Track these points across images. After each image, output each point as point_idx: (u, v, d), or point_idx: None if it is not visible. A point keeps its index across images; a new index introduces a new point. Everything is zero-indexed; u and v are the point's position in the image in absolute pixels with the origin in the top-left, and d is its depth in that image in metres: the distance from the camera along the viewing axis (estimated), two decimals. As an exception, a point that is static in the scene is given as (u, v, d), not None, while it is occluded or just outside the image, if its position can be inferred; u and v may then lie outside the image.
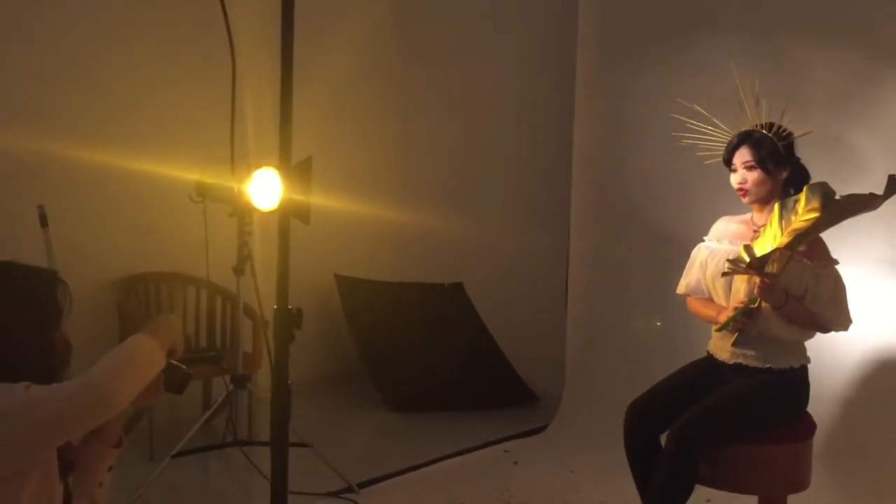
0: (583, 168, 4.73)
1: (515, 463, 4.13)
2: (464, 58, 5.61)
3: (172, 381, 1.83)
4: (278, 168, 3.53)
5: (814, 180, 2.71)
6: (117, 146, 4.14)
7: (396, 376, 5.03)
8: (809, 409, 2.85)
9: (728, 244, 2.84)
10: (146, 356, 1.72)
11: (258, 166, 3.57)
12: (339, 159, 5.25)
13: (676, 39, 4.14)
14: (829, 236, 2.74)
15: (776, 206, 2.67)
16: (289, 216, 1.88)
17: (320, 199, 4.27)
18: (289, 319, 1.87)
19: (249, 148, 4.44)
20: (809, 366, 2.82)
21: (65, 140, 3.97)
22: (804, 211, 2.57)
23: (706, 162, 2.89)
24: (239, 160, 3.95)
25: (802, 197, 2.60)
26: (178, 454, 3.61)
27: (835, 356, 3.56)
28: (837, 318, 2.72)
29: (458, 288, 5.20)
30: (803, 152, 2.85)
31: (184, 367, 1.85)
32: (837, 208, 2.56)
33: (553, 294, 4.97)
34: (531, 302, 5.30)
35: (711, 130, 2.87)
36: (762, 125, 2.80)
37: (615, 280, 4.54)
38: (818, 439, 2.89)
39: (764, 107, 2.82)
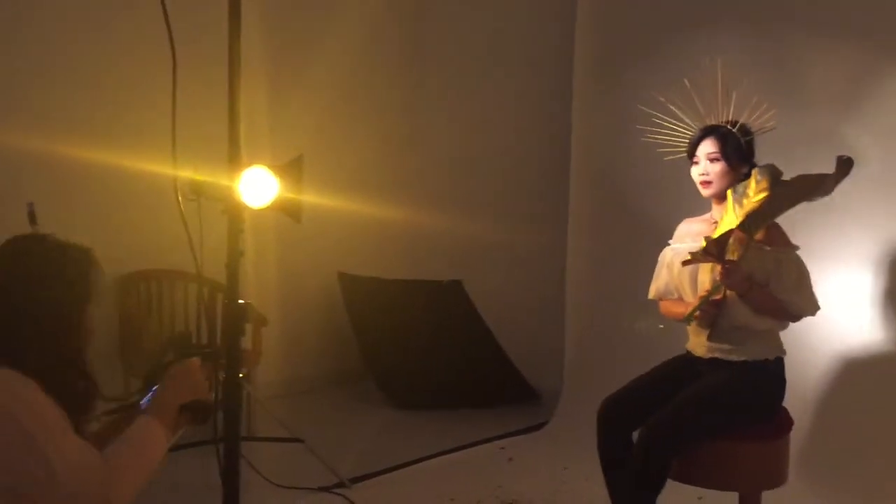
0: (580, 167, 4.73)
1: (510, 460, 4.14)
2: (465, 57, 5.64)
3: (196, 417, 2.02)
4: (269, 166, 3.63)
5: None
6: (109, 144, 4.18)
7: (397, 373, 5.07)
8: (787, 405, 2.83)
9: (691, 242, 2.84)
10: (154, 449, 1.84)
11: (249, 164, 3.61)
12: (341, 157, 5.30)
13: (670, 39, 4.11)
14: (817, 234, 2.71)
15: (728, 193, 2.67)
16: (235, 211, 1.91)
17: (314, 198, 4.28)
18: (238, 314, 1.90)
19: (241, 146, 4.47)
20: (787, 363, 2.80)
21: (57, 138, 4.03)
22: (755, 192, 2.57)
23: (666, 159, 2.88)
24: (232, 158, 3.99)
25: (752, 180, 2.60)
26: (172, 449, 3.65)
27: (811, 352, 3.52)
28: (803, 302, 2.69)
29: (456, 285, 5.22)
30: (794, 147, 2.81)
31: (203, 402, 2.02)
32: (787, 189, 2.55)
33: (552, 291, 4.97)
34: (531, 299, 5.30)
35: (677, 125, 2.86)
36: (727, 121, 2.79)
37: (613, 278, 4.53)
38: (796, 436, 2.87)
39: (733, 102, 2.80)
